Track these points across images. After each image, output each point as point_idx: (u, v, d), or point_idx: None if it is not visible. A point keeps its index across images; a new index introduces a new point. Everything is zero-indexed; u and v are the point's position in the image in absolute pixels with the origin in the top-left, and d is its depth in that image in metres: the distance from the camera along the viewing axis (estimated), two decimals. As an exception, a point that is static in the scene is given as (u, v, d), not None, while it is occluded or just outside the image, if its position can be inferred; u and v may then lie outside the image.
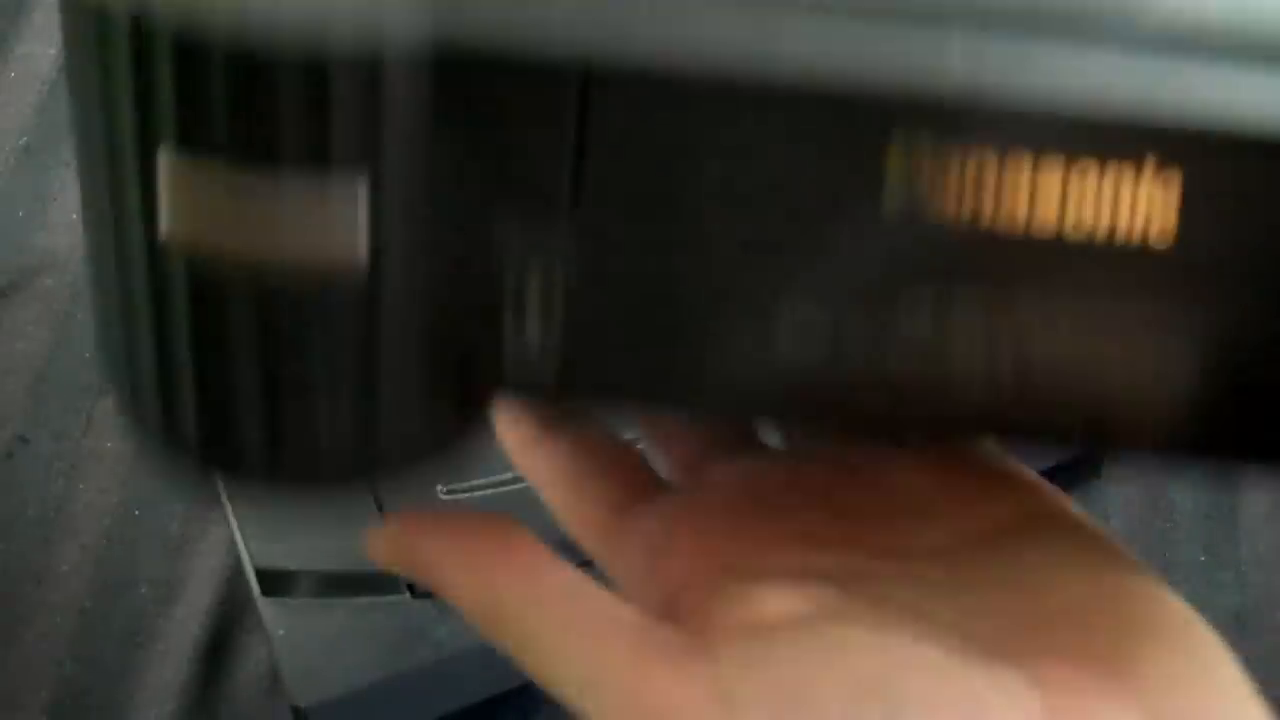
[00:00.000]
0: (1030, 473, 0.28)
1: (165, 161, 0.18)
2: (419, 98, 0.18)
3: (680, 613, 0.25)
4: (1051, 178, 0.19)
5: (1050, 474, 0.53)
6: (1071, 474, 0.55)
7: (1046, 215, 0.19)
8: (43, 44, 0.72)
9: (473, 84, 0.18)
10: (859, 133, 0.19)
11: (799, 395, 0.22)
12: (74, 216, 0.65)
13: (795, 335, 0.21)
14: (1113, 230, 0.19)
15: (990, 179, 0.19)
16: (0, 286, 0.63)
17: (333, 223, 0.18)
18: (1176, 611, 0.24)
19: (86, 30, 0.18)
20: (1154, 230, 0.20)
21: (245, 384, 0.20)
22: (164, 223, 0.19)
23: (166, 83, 0.18)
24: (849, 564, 0.26)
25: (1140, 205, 0.19)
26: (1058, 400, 0.22)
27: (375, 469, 0.21)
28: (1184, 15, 0.19)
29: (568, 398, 0.22)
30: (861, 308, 0.20)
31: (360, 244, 0.19)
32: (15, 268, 0.63)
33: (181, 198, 0.18)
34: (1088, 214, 0.19)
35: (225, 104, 0.18)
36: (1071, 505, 0.27)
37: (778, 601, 0.24)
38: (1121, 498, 0.55)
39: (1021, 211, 0.20)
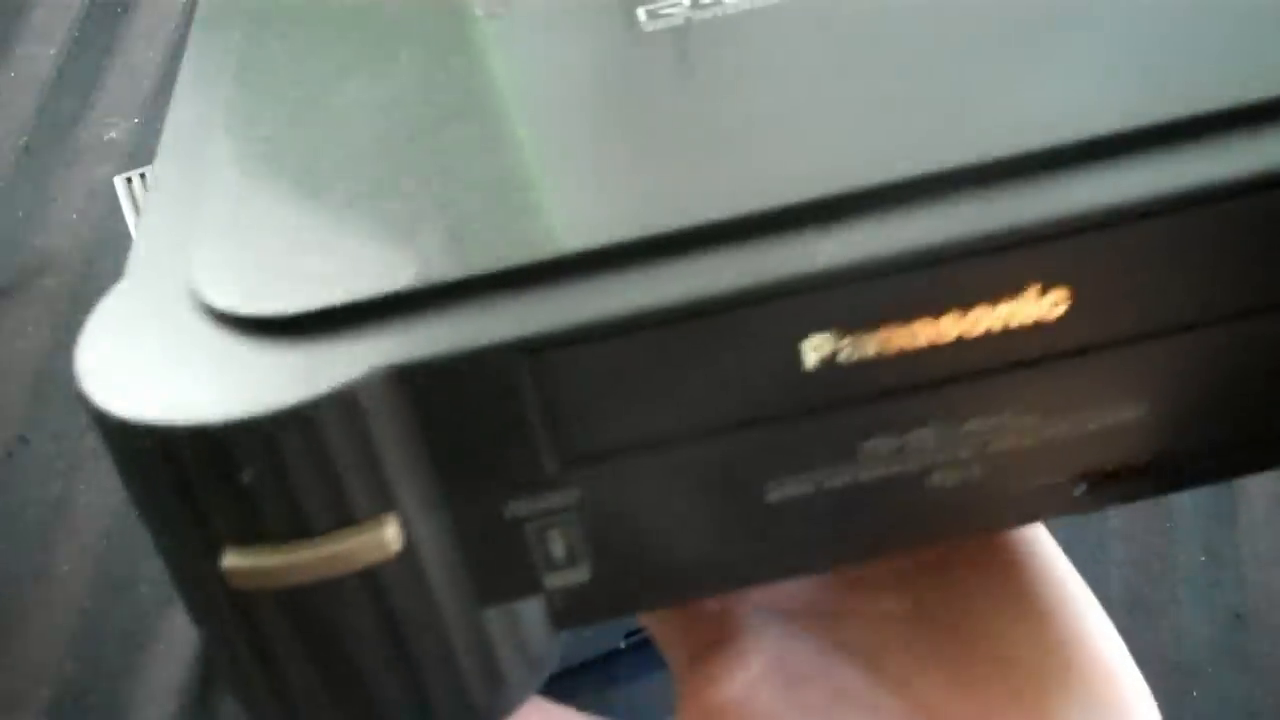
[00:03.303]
0: None
1: (226, 559, 0.20)
2: (400, 429, 0.20)
3: (678, 673, 0.28)
4: (950, 322, 0.21)
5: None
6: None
7: (959, 350, 0.21)
8: (43, 44, 0.72)
9: (437, 393, 0.20)
10: (773, 336, 0.21)
11: (795, 554, 0.23)
12: (74, 216, 0.65)
13: (784, 506, 0.23)
14: (1012, 326, 0.21)
15: (897, 340, 0.21)
16: (0, 286, 0.63)
17: (368, 549, 0.20)
18: (1104, 662, 0.26)
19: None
20: (1052, 313, 0.21)
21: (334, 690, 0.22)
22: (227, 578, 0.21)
23: (210, 495, 0.20)
24: (819, 596, 0.28)
25: (1033, 306, 0.21)
26: (1033, 484, 0.23)
27: None
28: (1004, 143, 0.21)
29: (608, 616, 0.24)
30: (830, 471, 0.22)
31: (392, 544, 0.20)
32: (15, 268, 0.63)
33: (242, 577, 0.20)
34: (991, 333, 0.21)
35: (257, 501, 0.20)
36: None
37: (740, 688, 0.26)
38: (1121, 498, 0.56)
39: (930, 354, 0.21)
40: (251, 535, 0.20)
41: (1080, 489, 0.23)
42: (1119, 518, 0.55)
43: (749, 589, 0.26)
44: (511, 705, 0.23)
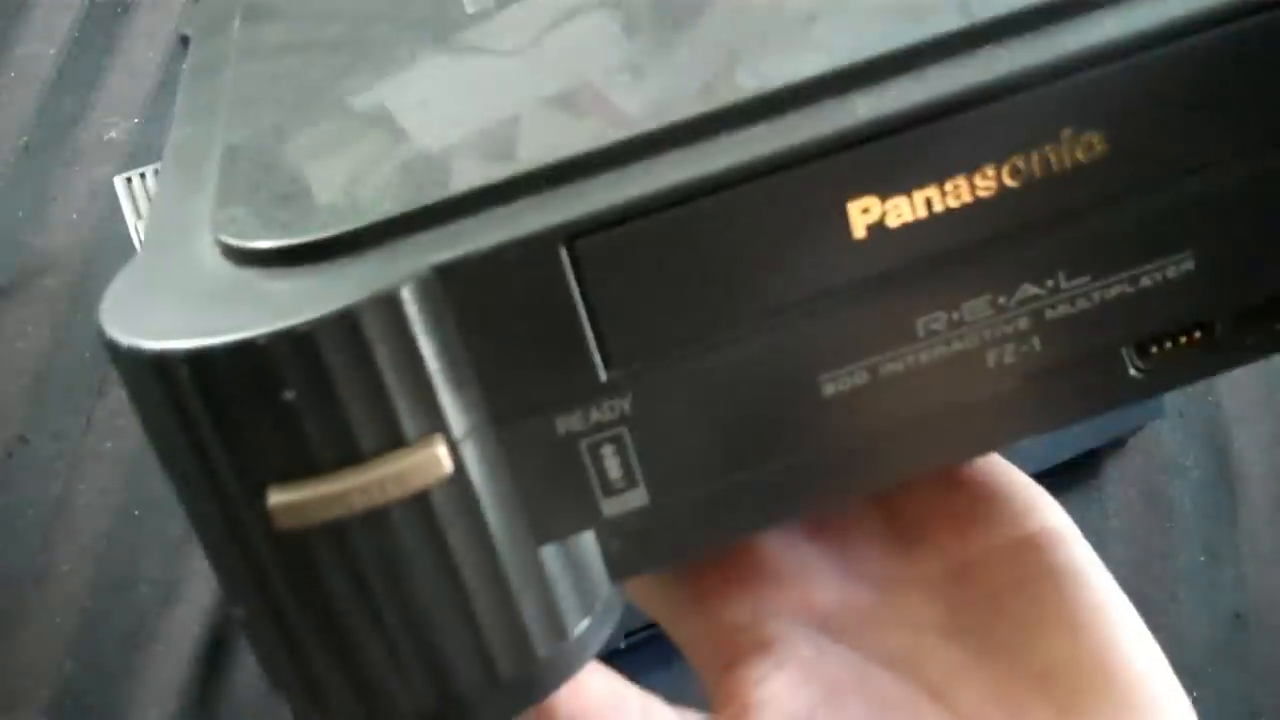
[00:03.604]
0: (1021, 484, 0.29)
1: (271, 498, 0.20)
2: (443, 338, 0.19)
3: (710, 680, 0.27)
4: (988, 175, 0.20)
5: (1050, 474, 0.54)
6: (1071, 474, 0.55)
7: (1000, 201, 0.21)
8: (43, 44, 0.72)
9: (478, 296, 0.19)
10: (820, 201, 0.20)
11: (855, 467, 0.23)
12: (74, 216, 0.65)
13: (841, 401, 0.22)
14: (1055, 166, 0.21)
15: (943, 195, 0.20)
16: (0, 286, 0.63)
17: (418, 470, 0.20)
18: (1144, 674, 0.26)
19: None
20: (1092, 153, 0.21)
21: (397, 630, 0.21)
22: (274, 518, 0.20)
23: (247, 415, 0.19)
24: (851, 603, 0.28)
25: (1069, 149, 0.20)
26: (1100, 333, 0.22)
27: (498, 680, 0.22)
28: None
29: (672, 557, 0.23)
30: (889, 350, 0.21)
31: (443, 464, 0.20)
32: (15, 268, 0.63)
33: (289, 514, 0.20)
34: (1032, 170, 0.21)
35: (302, 425, 0.19)
36: (1058, 515, 0.28)
37: (777, 693, 0.26)
38: (1121, 498, 0.56)
39: (975, 212, 0.21)
40: (297, 465, 0.19)
41: (1137, 367, 0.23)
42: (1119, 518, 0.55)
43: (808, 514, 0.25)
44: (575, 664, 0.22)
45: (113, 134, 0.68)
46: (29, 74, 0.71)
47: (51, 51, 0.72)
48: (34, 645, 0.52)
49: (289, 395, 0.19)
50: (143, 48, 0.72)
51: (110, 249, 0.64)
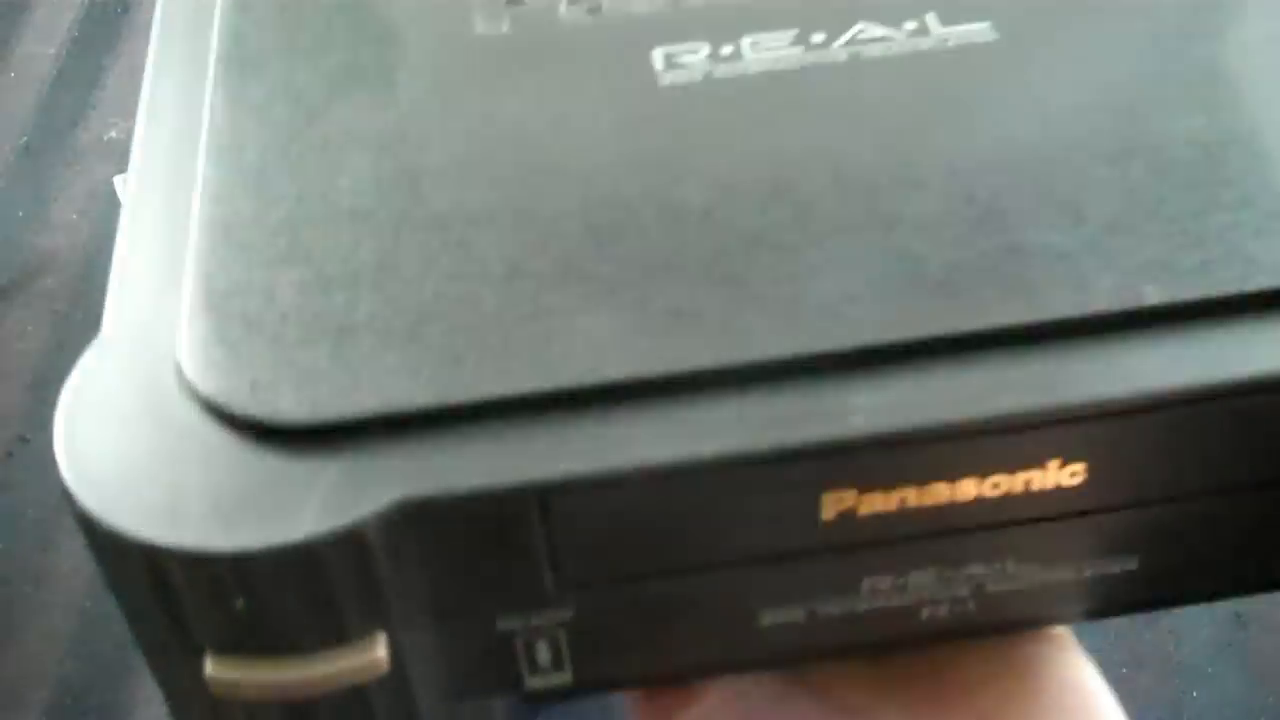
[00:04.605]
0: None
1: (209, 667, 0.19)
2: (401, 553, 0.19)
3: (634, 710, 0.27)
4: (968, 482, 0.21)
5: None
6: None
7: (968, 507, 0.21)
8: (43, 44, 0.72)
9: (444, 523, 0.19)
10: (791, 487, 0.20)
11: (777, 659, 0.23)
12: (74, 216, 0.65)
13: (775, 628, 0.22)
14: (1029, 492, 0.21)
15: (916, 497, 0.21)
16: (0, 286, 0.63)
17: (356, 670, 0.20)
18: (1073, 682, 0.26)
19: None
20: (1067, 483, 0.21)
21: None
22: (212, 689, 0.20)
23: (195, 603, 0.19)
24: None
25: (1050, 475, 0.21)
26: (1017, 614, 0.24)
27: None
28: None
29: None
30: (832, 600, 0.22)
31: (382, 664, 0.20)
32: (15, 268, 0.63)
33: (224, 688, 0.20)
34: (1003, 493, 0.21)
35: (247, 612, 0.19)
36: None
37: None
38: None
39: (946, 509, 0.21)
40: (237, 646, 0.19)
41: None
42: (1119, 518, 0.55)
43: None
44: None
45: (113, 134, 0.68)
46: (29, 74, 0.71)
47: (51, 51, 0.72)
48: (34, 645, 0.52)
49: (239, 602, 0.19)
50: (143, 47, 0.72)
51: (110, 249, 0.64)
